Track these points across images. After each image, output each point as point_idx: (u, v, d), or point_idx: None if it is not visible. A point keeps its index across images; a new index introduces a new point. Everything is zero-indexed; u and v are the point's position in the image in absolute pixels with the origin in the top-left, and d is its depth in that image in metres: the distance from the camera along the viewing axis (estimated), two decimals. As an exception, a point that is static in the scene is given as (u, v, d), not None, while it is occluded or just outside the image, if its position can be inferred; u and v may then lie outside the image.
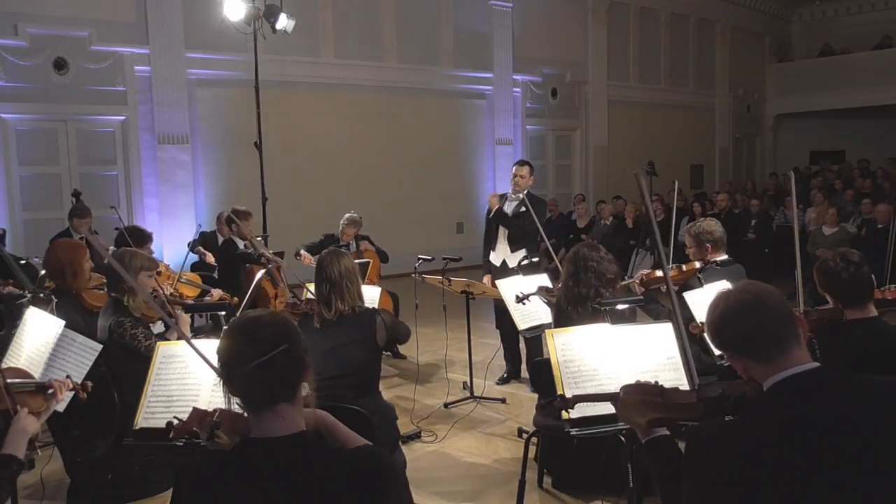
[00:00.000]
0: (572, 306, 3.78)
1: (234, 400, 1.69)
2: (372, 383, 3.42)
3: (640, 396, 1.90)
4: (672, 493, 1.79)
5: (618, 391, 2.00)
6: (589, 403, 2.85)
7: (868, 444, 1.53)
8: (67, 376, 2.69)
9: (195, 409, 2.08)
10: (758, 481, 1.50)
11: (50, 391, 2.49)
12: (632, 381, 2.07)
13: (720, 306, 1.73)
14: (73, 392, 2.72)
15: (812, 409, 1.56)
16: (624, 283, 4.65)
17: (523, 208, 5.70)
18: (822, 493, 1.50)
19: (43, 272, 4.54)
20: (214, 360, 1.70)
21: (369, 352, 3.37)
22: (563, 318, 3.80)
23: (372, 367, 3.44)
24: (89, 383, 2.80)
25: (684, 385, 2.75)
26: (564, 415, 2.86)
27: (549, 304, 4.31)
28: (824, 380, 1.63)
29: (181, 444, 2.64)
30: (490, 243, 5.99)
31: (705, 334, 3.20)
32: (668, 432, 1.92)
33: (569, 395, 2.88)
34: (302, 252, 6.64)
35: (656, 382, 1.94)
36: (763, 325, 1.65)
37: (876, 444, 1.53)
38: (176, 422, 2.17)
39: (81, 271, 4.03)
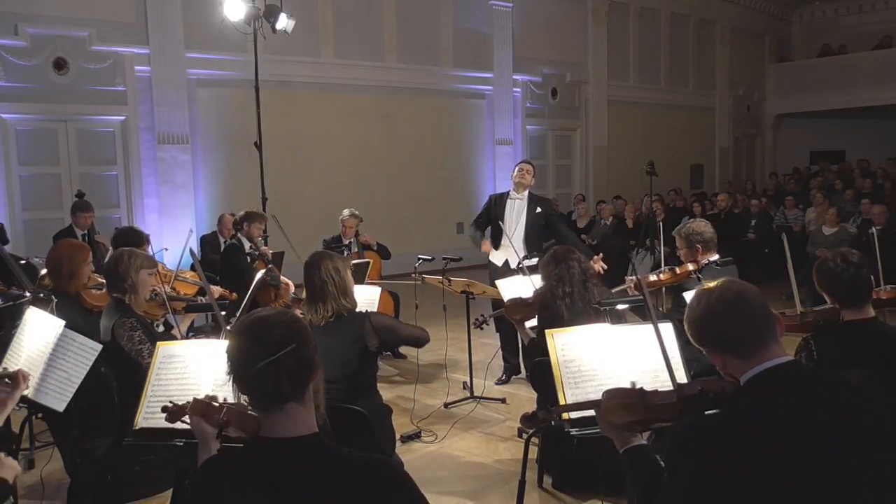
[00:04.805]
0: (561, 301, 3.89)
1: (243, 397, 1.68)
2: (366, 387, 3.33)
3: (620, 399, 1.93)
4: (648, 501, 1.82)
5: (600, 398, 2.00)
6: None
7: (843, 432, 1.56)
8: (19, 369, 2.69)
9: (196, 399, 2.03)
10: (738, 473, 1.53)
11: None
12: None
13: (702, 303, 1.77)
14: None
15: (788, 400, 1.60)
16: (620, 288, 4.69)
17: (538, 209, 5.89)
18: (800, 483, 1.52)
19: (44, 271, 4.53)
20: (220, 361, 1.67)
21: (359, 358, 3.26)
22: (552, 317, 3.82)
23: (364, 373, 3.33)
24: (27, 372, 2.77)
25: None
26: (564, 415, 2.87)
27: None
28: (799, 372, 1.69)
29: (181, 443, 2.64)
30: (488, 233, 6.01)
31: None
32: (645, 441, 1.95)
33: (569, 394, 2.89)
34: None
35: (640, 388, 1.95)
36: (744, 323, 1.70)
37: (851, 432, 1.56)
38: (171, 405, 2.16)
39: (78, 275, 3.96)
